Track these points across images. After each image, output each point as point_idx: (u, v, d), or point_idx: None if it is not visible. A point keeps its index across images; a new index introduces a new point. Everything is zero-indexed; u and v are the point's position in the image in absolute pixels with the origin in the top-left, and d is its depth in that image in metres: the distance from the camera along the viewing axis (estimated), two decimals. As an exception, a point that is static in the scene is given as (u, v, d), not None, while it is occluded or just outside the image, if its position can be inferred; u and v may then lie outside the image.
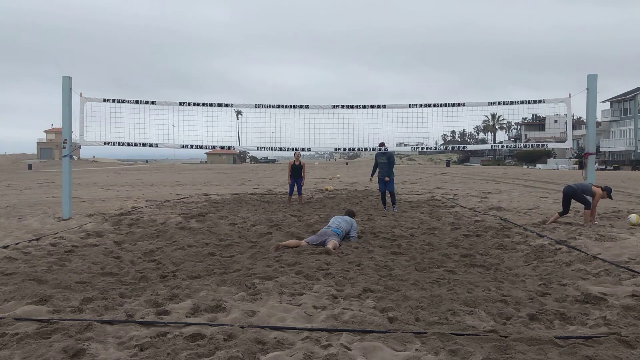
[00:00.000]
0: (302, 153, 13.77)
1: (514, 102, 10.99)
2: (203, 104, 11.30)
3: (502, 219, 10.19)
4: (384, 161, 12.55)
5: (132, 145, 11.23)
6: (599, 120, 69.71)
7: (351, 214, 8.77)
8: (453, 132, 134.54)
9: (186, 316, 4.24)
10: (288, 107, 11.46)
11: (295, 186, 13.70)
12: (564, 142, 12.66)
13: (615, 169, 56.70)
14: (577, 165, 53.93)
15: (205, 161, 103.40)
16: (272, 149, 11.77)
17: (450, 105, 11.11)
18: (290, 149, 12.62)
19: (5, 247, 7.14)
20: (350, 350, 3.48)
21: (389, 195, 12.62)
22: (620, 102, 70.24)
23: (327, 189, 19.25)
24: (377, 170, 12.80)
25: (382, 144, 12.04)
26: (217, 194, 17.46)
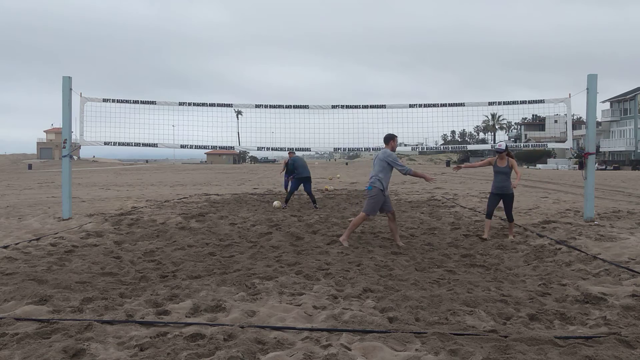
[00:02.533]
0: (301, 153, 14.21)
1: (514, 102, 10.98)
2: (203, 104, 11.29)
3: (502, 219, 10.18)
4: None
5: (132, 145, 11.23)
6: (599, 120, 69.73)
7: (385, 139, 7.93)
8: (453, 132, 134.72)
9: (186, 316, 4.24)
10: (288, 107, 11.45)
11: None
12: (564, 142, 12.64)
13: (615, 169, 56.70)
14: (577, 165, 53.98)
15: (205, 161, 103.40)
16: (272, 149, 11.76)
17: (450, 105, 11.09)
18: (291, 149, 12.65)
19: (5, 247, 7.13)
20: (350, 350, 3.48)
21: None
22: (620, 102, 70.25)
23: (327, 189, 19.24)
24: None
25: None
26: (217, 194, 17.46)
